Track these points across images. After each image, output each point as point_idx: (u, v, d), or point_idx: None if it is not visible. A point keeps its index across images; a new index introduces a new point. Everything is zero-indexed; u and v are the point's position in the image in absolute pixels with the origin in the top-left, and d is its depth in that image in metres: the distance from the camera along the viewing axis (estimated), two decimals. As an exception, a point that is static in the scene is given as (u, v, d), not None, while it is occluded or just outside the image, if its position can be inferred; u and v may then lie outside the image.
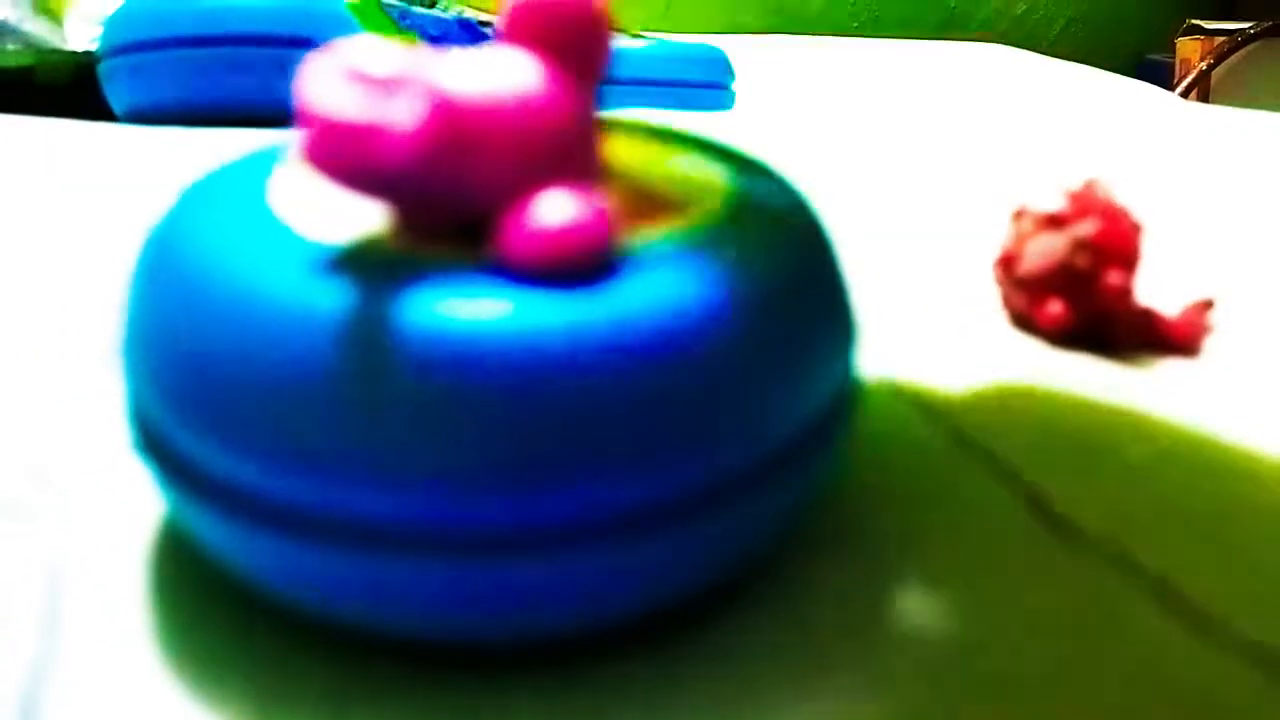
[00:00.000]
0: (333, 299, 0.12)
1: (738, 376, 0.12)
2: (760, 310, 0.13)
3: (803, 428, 0.13)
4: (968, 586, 0.15)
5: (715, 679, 0.13)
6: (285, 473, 0.12)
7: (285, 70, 0.35)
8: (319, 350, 0.12)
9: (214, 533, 0.13)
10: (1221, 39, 1.31)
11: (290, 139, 0.16)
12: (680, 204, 0.14)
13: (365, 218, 0.13)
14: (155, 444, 0.13)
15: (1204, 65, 1.26)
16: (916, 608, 0.15)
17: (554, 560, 0.12)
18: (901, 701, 0.13)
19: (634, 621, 0.14)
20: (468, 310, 0.12)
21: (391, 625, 0.13)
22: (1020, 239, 0.24)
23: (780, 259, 0.13)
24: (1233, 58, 1.28)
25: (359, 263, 0.12)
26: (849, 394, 0.15)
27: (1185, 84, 1.24)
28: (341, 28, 0.36)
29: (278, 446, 0.12)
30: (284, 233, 0.13)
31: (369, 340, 0.11)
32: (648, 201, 0.14)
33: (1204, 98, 1.27)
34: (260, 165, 0.15)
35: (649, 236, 0.13)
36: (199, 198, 0.14)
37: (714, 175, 0.15)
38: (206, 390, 0.12)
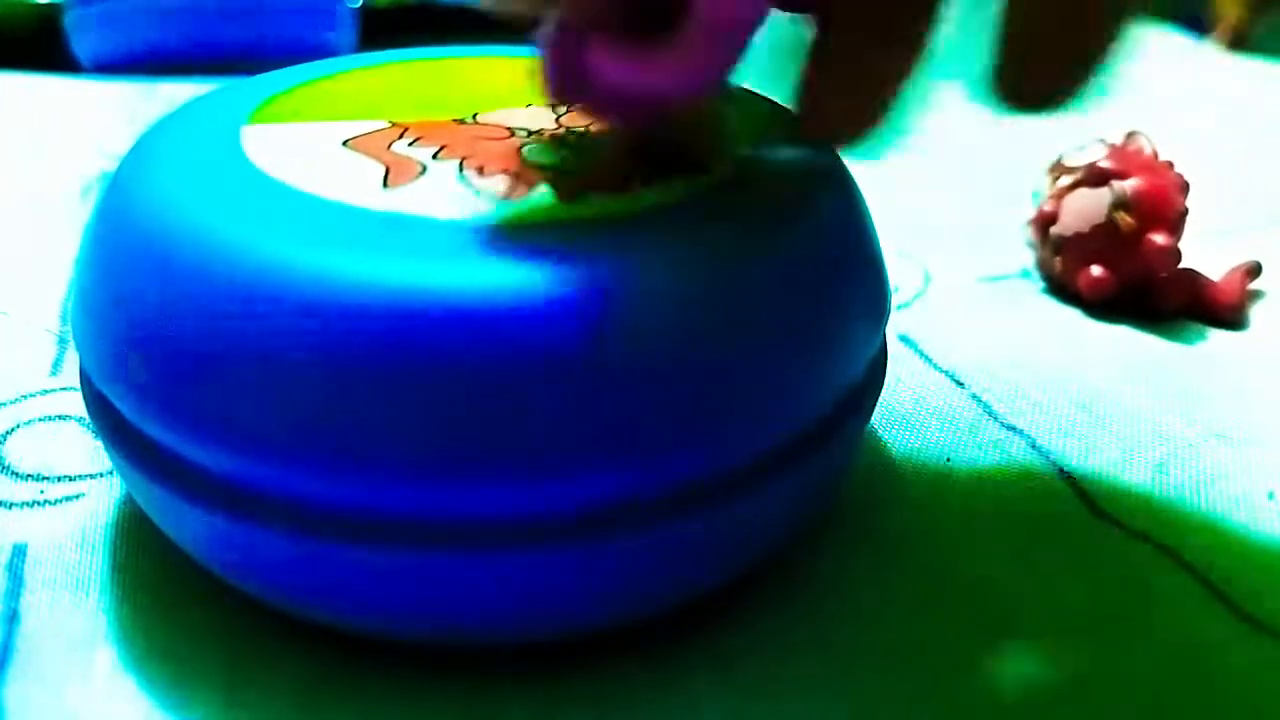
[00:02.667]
0: (313, 260, 0.10)
1: (760, 355, 0.11)
2: (787, 282, 0.11)
3: (830, 407, 0.12)
4: (998, 573, 0.14)
5: (724, 677, 0.12)
6: (238, 452, 0.10)
7: (253, 17, 0.34)
8: (291, 319, 0.10)
9: (168, 513, 0.12)
10: (1260, -11, 1.27)
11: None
12: (704, 164, 0.13)
13: (347, 168, 0.12)
14: (103, 413, 0.12)
15: (1245, 15, 1.22)
16: (943, 593, 0.14)
17: (558, 550, 0.10)
18: (922, 690, 0.12)
19: (646, 617, 0.12)
20: (452, 280, 0.10)
21: (362, 618, 0.11)
22: (1057, 196, 0.21)
23: (811, 229, 0.12)
24: (1275, 7, 1.25)
25: (340, 218, 0.11)
26: (877, 369, 0.14)
27: (1226, 34, 1.21)
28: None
29: (235, 425, 0.10)
30: (258, 181, 0.11)
31: (345, 310, 0.10)
32: (668, 157, 0.13)
33: (1245, 49, 1.24)
34: (223, 106, 0.13)
35: (667, 193, 0.12)
36: (158, 145, 0.13)
37: (745, 132, 0.14)
38: (160, 356, 0.11)
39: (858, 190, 0.13)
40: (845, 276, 0.12)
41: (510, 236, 0.10)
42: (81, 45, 0.34)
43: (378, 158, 0.12)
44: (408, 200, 0.11)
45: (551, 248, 0.10)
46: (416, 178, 0.11)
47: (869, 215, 0.13)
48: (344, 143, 0.12)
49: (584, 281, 0.10)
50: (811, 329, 0.12)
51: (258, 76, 0.15)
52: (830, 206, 0.13)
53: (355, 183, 0.11)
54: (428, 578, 0.11)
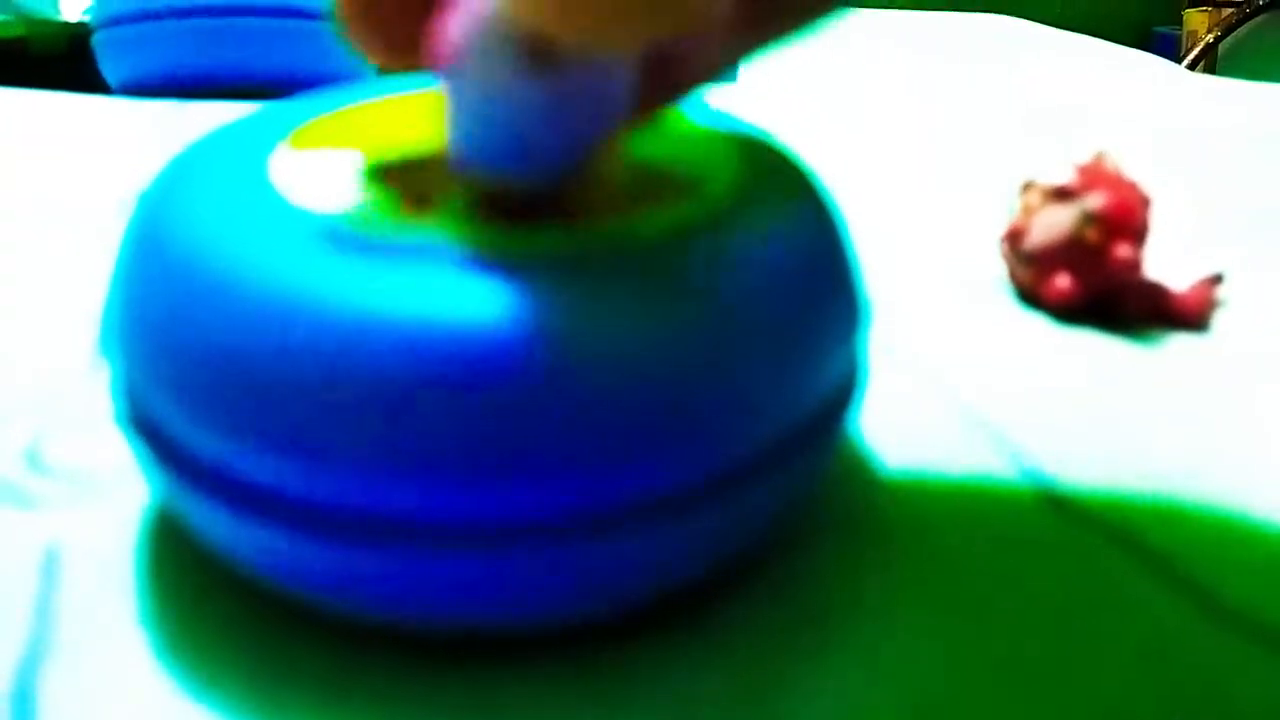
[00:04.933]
0: (328, 283, 0.11)
1: (741, 365, 0.12)
2: (765, 297, 0.12)
3: (810, 413, 0.13)
4: (973, 570, 0.15)
5: (721, 663, 0.13)
6: (271, 458, 0.11)
7: (282, 41, 0.35)
8: (312, 336, 0.11)
9: (198, 513, 0.12)
10: (1229, 11, 1.30)
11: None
12: (686, 184, 0.14)
13: (372, 195, 0.13)
14: (139, 419, 0.13)
15: (1211, 37, 1.25)
16: (920, 592, 0.14)
17: (556, 550, 0.12)
18: (906, 683, 0.13)
19: (637, 609, 0.13)
20: (464, 300, 0.11)
21: (384, 612, 0.12)
22: (1028, 212, 0.23)
23: (787, 242, 0.13)
24: (1240, 29, 1.27)
25: (358, 244, 0.12)
26: (855, 377, 0.15)
27: (1192, 56, 1.23)
28: None
29: (264, 431, 0.11)
30: (281, 207, 0.12)
31: (361, 327, 0.11)
32: (652, 182, 0.14)
33: (1211, 69, 1.26)
34: (256, 131, 0.14)
35: (651, 219, 0.13)
36: (191, 167, 0.13)
37: (717, 154, 0.15)
38: (189, 369, 0.12)
39: (833, 205, 0.14)
40: (824, 290, 0.13)
41: (510, 267, 0.11)
42: (110, 66, 0.35)
43: (402, 186, 0.13)
44: (427, 228, 0.12)
45: (547, 276, 0.11)
46: (436, 207, 0.12)
47: (845, 229, 0.14)
48: (368, 170, 0.13)
49: (581, 307, 0.11)
50: (792, 342, 0.12)
51: (294, 101, 0.15)
52: (805, 222, 0.14)
53: (377, 210, 0.12)
54: (446, 576, 0.12)
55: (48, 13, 0.36)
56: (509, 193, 0.12)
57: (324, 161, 0.14)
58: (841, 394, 0.14)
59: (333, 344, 0.11)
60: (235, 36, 0.34)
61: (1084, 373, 0.21)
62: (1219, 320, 0.23)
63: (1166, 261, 0.27)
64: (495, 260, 0.12)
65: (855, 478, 0.17)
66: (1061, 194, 0.23)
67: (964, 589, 0.15)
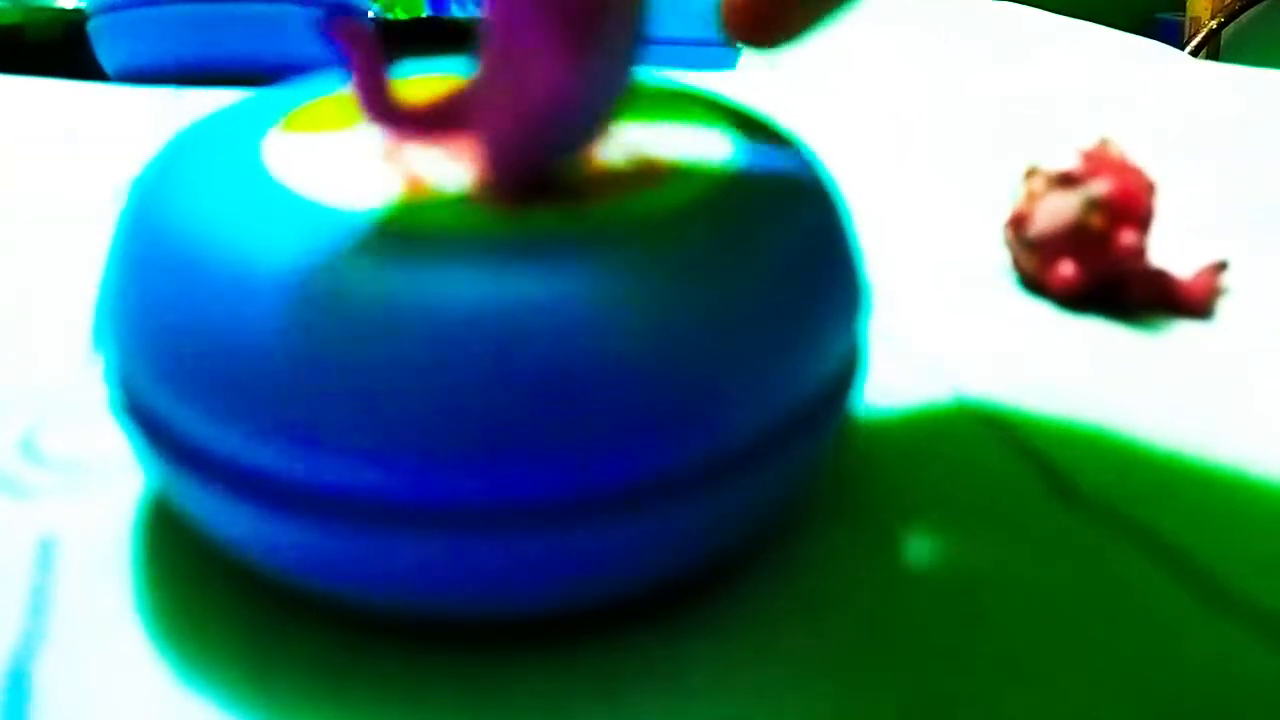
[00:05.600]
0: (324, 268, 0.11)
1: (742, 347, 0.12)
2: (767, 279, 0.12)
3: (810, 398, 0.13)
4: (975, 558, 0.15)
5: (718, 653, 0.13)
6: (268, 443, 0.11)
7: (281, 28, 0.35)
8: (306, 318, 0.11)
9: (194, 500, 0.12)
10: (1232, -4, 1.29)
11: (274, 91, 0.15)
12: (685, 168, 0.13)
13: (367, 177, 0.13)
14: (134, 407, 0.13)
15: (1215, 23, 1.24)
16: (921, 581, 0.14)
17: (554, 534, 0.11)
18: (906, 676, 0.13)
19: (636, 596, 0.13)
20: (463, 283, 0.11)
21: (381, 599, 0.12)
22: (1031, 199, 0.23)
23: (788, 225, 0.13)
24: (1243, 16, 1.27)
25: (355, 229, 0.12)
26: (856, 363, 0.15)
27: (1195, 42, 1.23)
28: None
29: (261, 416, 0.11)
30: (277, 191, 0.12)
31: (359, 311, 0.11)
32: (651, 165, 0.14)
33: (1214, 56, 1.26)
34: (251, 115, 0.14)
35: (650, 202, 0.12)
36: (184, 152, 0.13)
37: (719, 137, 0.14)
38: (185, 355, 0.12)
39: (834, 188, 0.14)
40: (824, 273, 0.13)
41: (515, 247, 0.11)
42: (106, 53, 0.35)
43: (396, 169, 0.13)
44: (422, 210, 0.12)
45: (554, 256, 0.11)
46: (434, 188, 0.12)
47: (846, 213, 0.14)
48: (361, 154, 0.13)
49: (579, 289, 0.11)
50: (794, 329, 0.12)
51: (285, 86, 0.15)
52: (805, 204, 0.13)
53: (372, 194, 0.12)
54: (446, 560, 0.11)
55: (44, -1, 0.36)
56: (515, 173, 0.12)
57: (318, 145, 0.14)
58: (842, 379, 0.14)
59: (328, 328, 0.11)
60: (233, 22, 0.34)
61: (1088, 360, 0.21)
62: (1224, 308, 0.23)
63: (1171, 248, 0.27)
64: (493, 241, 0.11)
65: (855, 465, 0.17)
66: (1065, 180, 0.23)
67: (965, 577, 0.14)
